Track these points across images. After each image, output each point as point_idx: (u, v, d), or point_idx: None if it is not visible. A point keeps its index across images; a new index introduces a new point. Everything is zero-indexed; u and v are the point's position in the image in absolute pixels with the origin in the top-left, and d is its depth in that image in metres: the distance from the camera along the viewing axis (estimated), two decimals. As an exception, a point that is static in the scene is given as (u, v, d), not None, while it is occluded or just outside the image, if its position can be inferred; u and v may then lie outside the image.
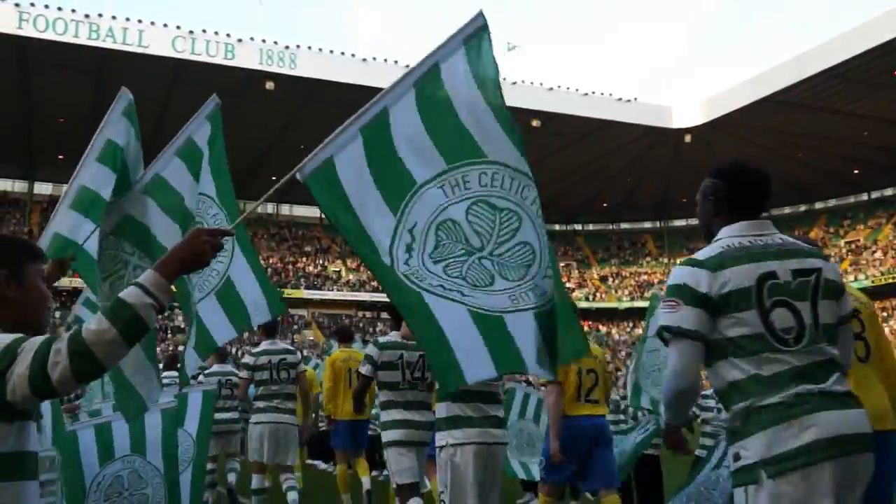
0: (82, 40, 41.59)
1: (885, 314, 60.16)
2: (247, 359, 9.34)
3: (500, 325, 3.51)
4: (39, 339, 2.10)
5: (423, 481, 7.59)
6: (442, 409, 5.65)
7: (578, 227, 77.29)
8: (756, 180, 3.60)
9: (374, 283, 54.65)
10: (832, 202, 73.26)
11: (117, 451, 5.08)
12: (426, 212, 3.48)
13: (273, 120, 50.24)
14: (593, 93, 54.86)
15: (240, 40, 45.52)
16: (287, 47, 46.68)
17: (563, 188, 61.37)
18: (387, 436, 6.66)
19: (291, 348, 9.66)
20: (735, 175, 3.65)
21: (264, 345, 9.22)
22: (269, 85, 46.16)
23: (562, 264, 71.89)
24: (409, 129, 3.51)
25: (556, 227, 75.33)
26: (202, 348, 4.39)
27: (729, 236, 3.44)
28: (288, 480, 8.98)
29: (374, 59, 49.03)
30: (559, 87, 54.12)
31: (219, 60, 44.49)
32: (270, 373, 8.92)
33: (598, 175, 62.87)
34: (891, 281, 58.90)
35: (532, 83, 52.62)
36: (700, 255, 3.40)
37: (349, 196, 3.44)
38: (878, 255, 63.00)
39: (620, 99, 55.69)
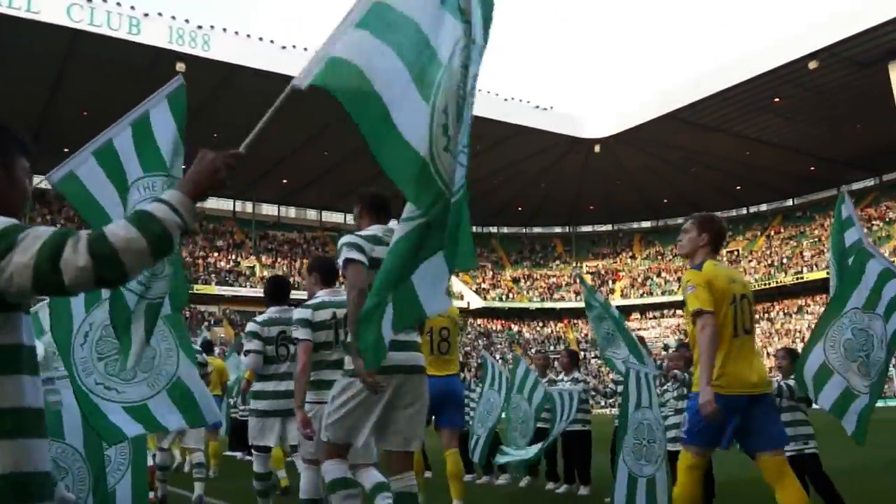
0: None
1: (757, 317, 62.14)
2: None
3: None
4: (46, 229, 1.80)
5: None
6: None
7: (494, 229, 77.18)
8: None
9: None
10: (718, 214, 74.45)
11: None
12: None
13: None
14: (513, 99, 54.31)
15: (146, 15, 40.18)
16: (200, 27, 41.74)
17: (480, 191, 61.64)
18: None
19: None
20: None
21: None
22: (180, 66, 39.27)
23: (478, 265, 72.36)
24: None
25: (473, 228, 75.17)
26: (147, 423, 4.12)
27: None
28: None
29: (294, 46, 44.51)
30: (480, 90, 52.99)
31: (122, 35, 39.27)
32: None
33: (514, 180, 62.97)
34: (764, 287, 60.86)
35: (489, 92, 51.18)
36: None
37: (364, 70, 2.83)
38: (754, 263, 65.08)
39: (538, 107, 55.52)
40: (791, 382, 6.46)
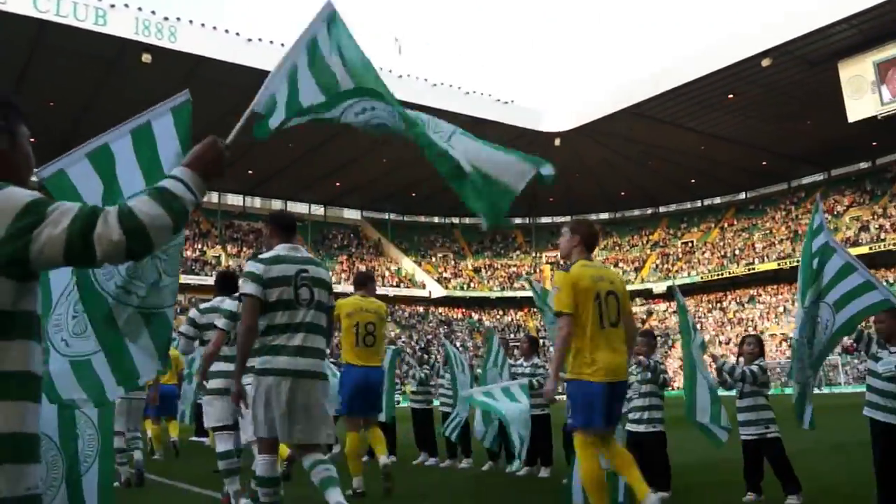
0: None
1: (710, 306, 63.18)
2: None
3: None
4: (73, 204, 1.82)
5: None
6: None
7: (456, 220, 77.30)
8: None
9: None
10: (673, 207, 76.01)
11: None
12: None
13: (150, 94, 43.98)
14: (474, 92, 54.31)
15: (112, 6, 39.35)
16: (166, 18, 41.18)
17: (442, 183, 61.43)
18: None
19: None
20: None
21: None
22: (146, 57, 40.48)
23: (439, 255, 72.53)
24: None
25: (435, 219, 75.68)
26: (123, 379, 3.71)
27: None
28: None
29: (260, 39, 44.35)
30: (442, 83, 52.93)
31: (88, 25, 38.49)
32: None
33: (476, 173, 62.91)
34: (716, 277, 61.86)
35: (417, 78, 51.28)
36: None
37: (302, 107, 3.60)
38: (707, 254, 65.99)
39: (499, 100, 55.60)
40: (755, 368, 6.85)
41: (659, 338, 53.08)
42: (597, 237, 5.81)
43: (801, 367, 5.76)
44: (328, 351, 5.44)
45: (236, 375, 4.92)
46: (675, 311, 64.10)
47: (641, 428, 7.43)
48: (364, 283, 7.90)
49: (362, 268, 65.21)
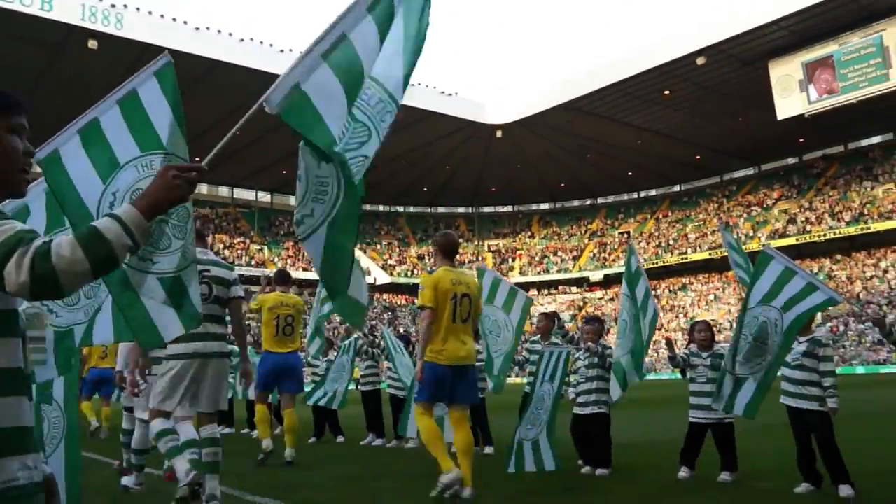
0: None
1: (647, 293, 64.15)
2: None
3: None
4: (9, 229, 1.75)
5: None
6: None
7: (400, 209, 77.29)
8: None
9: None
10: (611, 198, 76.94)
11: None
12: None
13: (96, 81, 38.57)
14: (419, 83, 53.73)
15: None
16: (113, 6, 40.13)
17: (388, 172, 61.72)
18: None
19: None
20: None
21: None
22: (92, 44, 39.48)
23: (384, 242, 72.40)
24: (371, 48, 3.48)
25: (381, 207, 75.50)
26: (145, 339, 3.72)
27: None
28: None
29: (208, 28, 43.43)
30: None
31: (34, 11, 37.17)
32: None
33: (420, 162, 63.13)
34: (651, 266, 62.89)
35: None
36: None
37: (325, 118, 3.32)
38: (643, 244, 66.97)
39: (444, 92, 55.60)
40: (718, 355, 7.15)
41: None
42: (455, 246, 6.89)
43: (744, 362, 6.07)
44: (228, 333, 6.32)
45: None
46: (611, 299, 65.13)
47: (587, 410, 7.65)
48: (284, 280, 9.06)
49: (307, 255, 64.82)
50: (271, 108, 3.16)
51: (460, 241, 70.00)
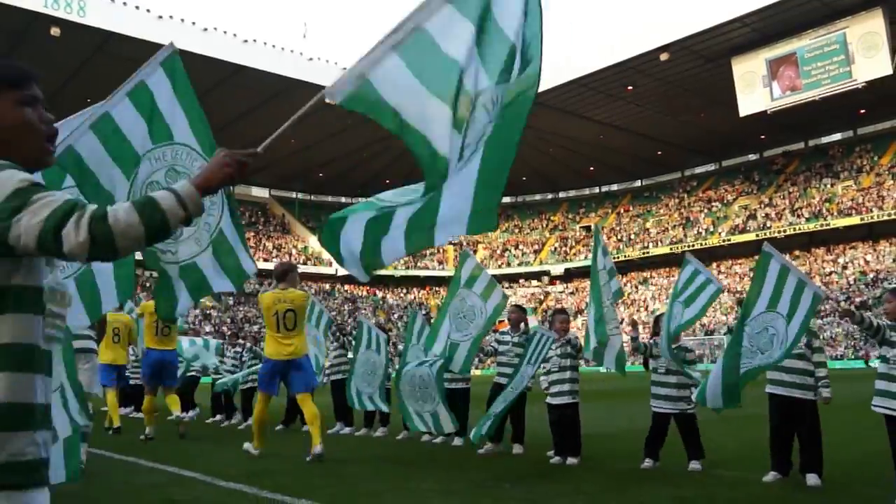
0: None
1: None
2: None
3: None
4: (59, 196, 1.79)
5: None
6: None
7: (362, 200, 76.39)
8: None
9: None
10: (572, 192, 77.54)
11: None
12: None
13: (58, 69, 42.55)
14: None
15: None
16: None
17: (353, 163, 61.44)
18: None
19: None
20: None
21: None
22: (55, 31, 39.21)
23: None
24: (456, 36, 3.23)
25: (343, 199, 75.16)
26: (196, 294, 4.09)
27: None
28: None
29: (171, 17, 43.42)
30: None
31: None
32: None
33: (384, 153, 62.86)
34: (613, 260, 63.04)
35: (327, 61, 50.98)
36: None
37: (398, 108, 3.13)
38: (605, 238, 67.21)
39: (406, 85, 55.38)
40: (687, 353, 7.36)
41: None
42: (284, 273, 8.35)
43: (747, 368, 6.07)
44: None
45: None
46: (571, 293, 65.60)
47: (558, 400, 7.77)
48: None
49: (269, 245, 64.49)
50: (333, 98, 3.01)
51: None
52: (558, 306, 56.06)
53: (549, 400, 7.91)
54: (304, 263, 64.21)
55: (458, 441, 9.59)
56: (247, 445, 8.54)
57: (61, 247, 1.74)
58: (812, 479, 6.04)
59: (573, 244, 70.09)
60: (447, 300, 8.78)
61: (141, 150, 3.71)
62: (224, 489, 6.26)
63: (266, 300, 8.28)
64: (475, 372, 34.57)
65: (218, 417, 13.87)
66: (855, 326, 6.02)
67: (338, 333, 11.71)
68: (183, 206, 1.88)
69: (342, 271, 66.10)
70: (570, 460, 7.55)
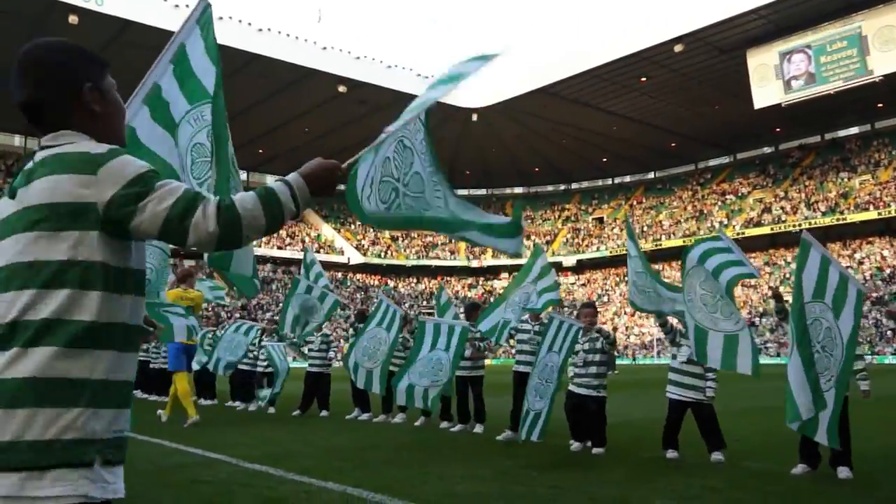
0: None
1: (618, 279, 64.68)
2: None
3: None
4: (179, 184, 1.82)
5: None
6: None
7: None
8: None
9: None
10: (585, 184, 77.27)
11: None
12: None
13: None
14: (396, 66, 54.09)
15: None
16: None
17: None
18: None
19: None
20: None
21: None
22: (73, 19, 39.49)
23: (358, 223, 72.28)
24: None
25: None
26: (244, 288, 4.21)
27: None
28: None
29: (188, 5, 39.71)
30: (366, 56, 52.57)
31: None
32: None
33: (396, 143, 62.76)
34: (625, 252, 62.86)
35: (341, 50, 50.65)
36: None
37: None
38: (617, 230, 67.48)
39: (420, 74, 55.23)
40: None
41: (565, 308, 54.21)
42: (185, 276, 10.29)
43: (829, 377, 5.69)
44: None
45: None
46: (583, 284, 65.59)
47: (582, 391, 7.75)
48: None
49: (283, 233, 64.65)
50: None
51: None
52: (587, 300, 56.08)
53: (571, 387, 7.89)
54: (317, 252, 64.37)
55: (479, 429, 9.60)
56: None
57: (186, 235, 1.77)
58: (843, 472, 6.02)
59: (585, 236, 69.96)
60: (510, 287, 9.32)
61: (178, 115, 3.71)
62: (250, 470, 6.28)
63: (171, 297, 9.70)
64: (487, 362, 34.59)
65: (237, 403, 13.87)
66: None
67: (355, 322, 11.73)
68: (294, 199, 1.91)
69: (354, 260, 66.47)
70: (597, 450, 7.52)
